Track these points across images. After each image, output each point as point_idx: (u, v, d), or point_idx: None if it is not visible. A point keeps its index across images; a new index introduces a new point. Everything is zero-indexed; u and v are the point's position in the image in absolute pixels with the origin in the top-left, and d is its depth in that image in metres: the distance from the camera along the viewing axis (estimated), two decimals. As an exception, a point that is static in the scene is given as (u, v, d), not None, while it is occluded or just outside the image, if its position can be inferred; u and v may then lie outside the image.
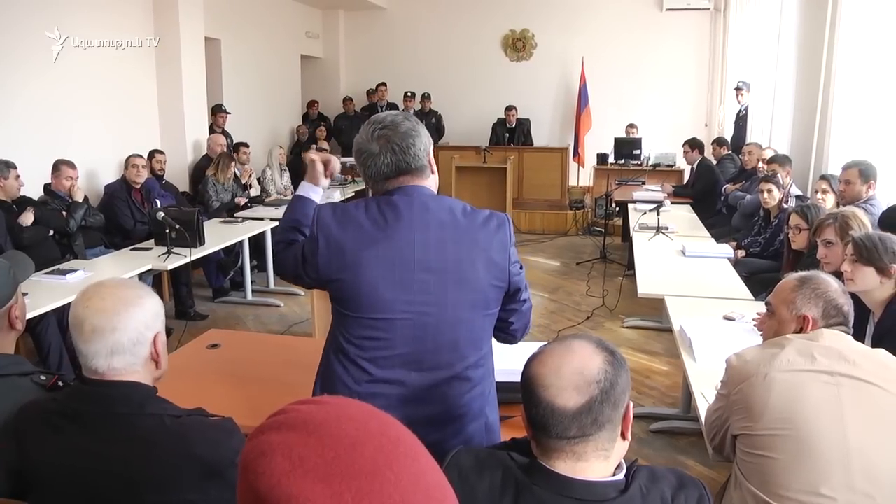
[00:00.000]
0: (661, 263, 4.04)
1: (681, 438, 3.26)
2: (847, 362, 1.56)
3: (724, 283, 3.57)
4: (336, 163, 1.73)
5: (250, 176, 6.73)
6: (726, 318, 2.87)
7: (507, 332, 1.61)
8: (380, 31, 10.19)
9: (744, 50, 7.70)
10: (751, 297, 3.29)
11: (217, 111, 7.21)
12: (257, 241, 5.61)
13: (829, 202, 3.80)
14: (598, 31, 9.37)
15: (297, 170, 7.45)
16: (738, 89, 7.17)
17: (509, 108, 9.11)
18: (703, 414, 1.96)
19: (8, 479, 1.29)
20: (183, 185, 6.38)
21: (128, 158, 5.13)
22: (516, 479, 1.09)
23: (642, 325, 4.80)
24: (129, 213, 5.03)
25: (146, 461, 1.20)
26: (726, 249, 4.33)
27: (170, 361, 1.39)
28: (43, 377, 1.45)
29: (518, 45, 9.87)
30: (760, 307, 2.23)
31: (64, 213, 4.36)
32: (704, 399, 2.07)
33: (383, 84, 9.60)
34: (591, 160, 8.91)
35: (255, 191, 6.75)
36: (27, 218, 4.09)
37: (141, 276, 3.98)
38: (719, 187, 6.29)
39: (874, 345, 2.01)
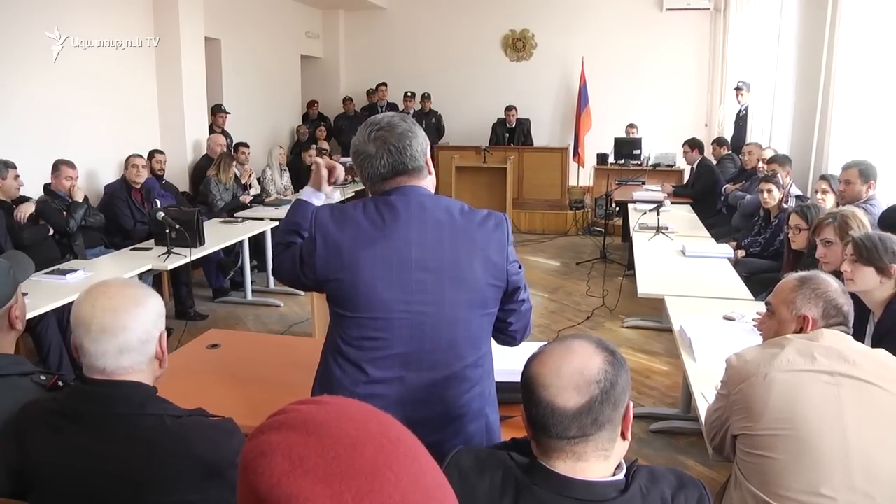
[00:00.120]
0: (661, 263, 4.04)
1: (681, 438, 3.26)
2: (847, 362, 1.56)
3: (724, 283, 3.57)
4: (341, 171, 1.73)
5: (250, 176, 6.73)
6: (726, 318, 2.87)
7: (506, 333, 1.61)
8: (380, 31, 10.19)
9: (744, 50, 7.70)
10: (751, 297, 3.29)
11: (217, 111, 7.22)
12: (257, 241, 5.62)
13: (829, 202, 3.79)
14: (598, 31, 9.37)
15: (297, 170, 7.46)
16: (738, 89, 7.17)
17: (509, 108, 9.12)
18: (703, 414, 1.96)
19: (8, 479, 1.29)
20: (183, 185, 6.38)
21: (128, 158, 5.13)
22: (516, 479, 1.09)
23: (642, 325, 4.80)
24: (129, 213, 5.03)
25: (146, 461, 1.20)
26: (726, 249, 4.33)
27: (170, 361, 1.40)
28: (43, 377, 1.45)
29: (518, 45, 9.87)
30: (760, 307, 2.23)
31: (64, 212, 4.36)
32: (704, 399, 2.07)
33: (383, 84, 9.60)
34: (591, 160, 8.91)
35: (255, 191, 6.76)
36: (28, 208, 4.09)
37: (141, 276, 3.98)
38: (719, 187, 6.29)
39: (874, 345, 2.01)
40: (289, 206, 1.72)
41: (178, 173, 6.37)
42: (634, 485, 1.07)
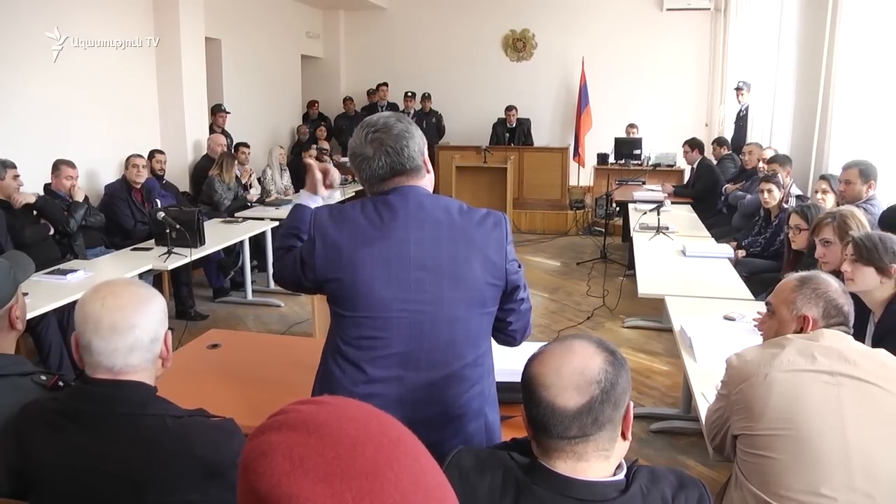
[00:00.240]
0: (662, 263, 4.04)
1: (681, 438, 3.26)
2: (847, 362, 1.56)
3: (724, 283, 3.57)
4: (336, 175, 1.74)
5: (250, 176, 6.74)
6: (726, 318, 2.87)
7: (505, 333, 1.61)
8: (380, 31, 10.19)
9: (744, 50, 7.70)
10: (751, 297, 3.29)
11: (217, 111, 7.22)
12: (257, 241, 5.62)
13: (829, 202, 3.79)
14: (598, 31, 9.37)
15: (298, 170, 7.45)
16: (738, 89, 7.17)
17: (509, 108, 9.12)
18: (703, 414, 1.96)
19: (9, 479, 1.29)
20: (183, 185, 6.38)
21: (128, 158, 5.13)
22: (517, 478, 1.09)
23: (642, 325, 4.80)
24: (129, 213, 5.03)
25: (147, 461, 1.20)
26: (726, 249, 4.33)
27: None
28: (43, 377, 1.45)
29: (518, 45, 9.87)
30: (761, 307, 2.23)
31: (64, 212, 4.36)
32: (705, 399, 2.07)
33: (384, 84, 9.60)
34: (591, 160, 8.91)
35: (255, 191, 6.76)
36: (28, 196, 4.09)
37: (141, 276, 3.98)
38: (719, 187, 6.29)
39: (874, 345, 2.01)
40: (289, 207, 1.73)
41: (178, 173, 6.37)
42: (635, 485, 1.07)
